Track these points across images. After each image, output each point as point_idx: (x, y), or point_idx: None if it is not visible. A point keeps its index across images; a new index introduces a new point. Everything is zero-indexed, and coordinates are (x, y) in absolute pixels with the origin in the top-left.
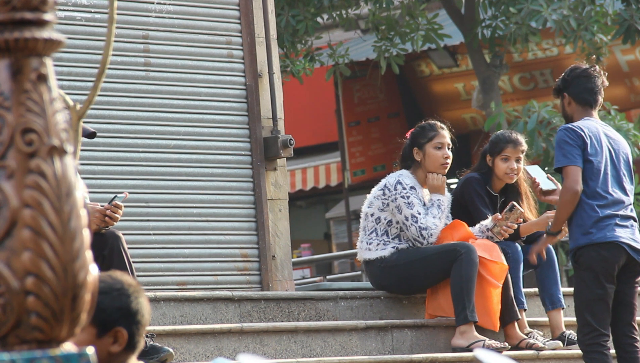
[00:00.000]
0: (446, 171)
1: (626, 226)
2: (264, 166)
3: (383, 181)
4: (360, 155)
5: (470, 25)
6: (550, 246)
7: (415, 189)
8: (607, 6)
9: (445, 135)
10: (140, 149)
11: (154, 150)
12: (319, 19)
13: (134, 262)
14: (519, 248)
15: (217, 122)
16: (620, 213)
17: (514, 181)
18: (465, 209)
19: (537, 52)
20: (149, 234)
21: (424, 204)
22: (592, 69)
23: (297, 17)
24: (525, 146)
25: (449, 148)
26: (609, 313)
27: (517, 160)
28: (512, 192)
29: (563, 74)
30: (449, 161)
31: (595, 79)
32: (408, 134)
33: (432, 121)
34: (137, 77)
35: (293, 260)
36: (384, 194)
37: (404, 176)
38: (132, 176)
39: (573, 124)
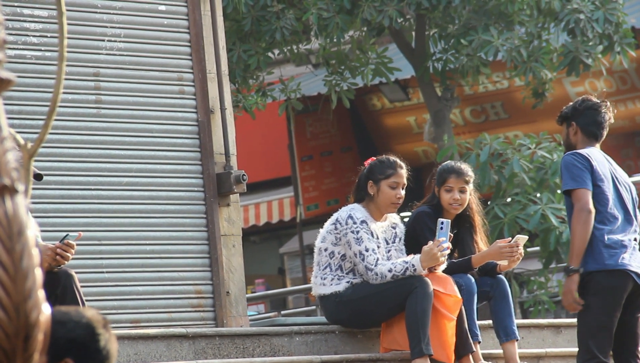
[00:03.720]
0: (396, 210)
1: (632, 254)
2: (217, 202)
3: (335, 215)
4: (313, 189)
5: (421, 59)
6: (504, 278)
7: (366, 223)
8: (552, 40)
9: (403, 175)
10: (92, 187)
11: (106, 187)
12: (270, 54)
13: (87, 300)
14: (473, 280)
15: (169, 158)
16: (628, 239)
17: (460, 211)
18: (417, 242)
19: (488, 85)
20: (102, 272)
21: (377, 238)
22: (604, 103)
23: (248, 52)
24: (470, 176)
25: (403, 188)
26: (611, 342)
27: (462, 190)
28: (465, 224)
29: (573, 103)
30: (401, 201)
31: (605, 114)
32: (367, 163)
33: (393, 158)
34: (88, 115)
35: (247, 295)
36: (336, 228)
37: (356, 210)
38: (84, 214)
39: (579, 150)
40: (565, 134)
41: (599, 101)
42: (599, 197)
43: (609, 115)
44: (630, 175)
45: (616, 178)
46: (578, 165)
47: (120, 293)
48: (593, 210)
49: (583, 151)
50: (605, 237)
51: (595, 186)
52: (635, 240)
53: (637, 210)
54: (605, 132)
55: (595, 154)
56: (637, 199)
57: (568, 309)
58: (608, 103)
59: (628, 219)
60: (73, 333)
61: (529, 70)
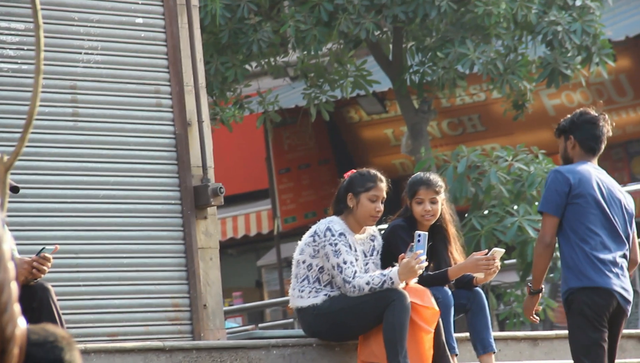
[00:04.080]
0: (374, 223)
1: (617, 273)
2: (194, 215)
3: (313, 228)
4: (291, 202)
5: (398, 72)
6: (481, 290)
7: (344, 235)
8: (529, 53)
9: (383, 188)
10: (69, 200)
11: (83, 201)
12: (247, 67)
13: (63, 314)
14: (449, 292)
15: (146, 171)
16: (612, 257)
17: (434, 223)
18: (392, 256)
19: (465, 97)
20: (79, 285)
21: (355, 250)
22: (602, 116)
23: (226, 64)
24: (440, 186)
25: (382, 201)
26: (605, 355)
27: (432, 201)
28: (438, 235)
29: (571, 116)
30: (380, 214)
31: (603, 128)
32: (347, 175)
33: (373, 171)
34: (65, 128)
35: (225, 308)
36: (314, 240)
37: (334, 222)
38: (61, 227)
39: (563, 167)
40: (563, 147)
41: (596, 114)
42: (578, 214)
43: (607, 128)
44: None
45: (604, 195)
46: (553, 186)
47: (97, 307)
48: (551, 241)
49: (567, 168)
50: (588, 254)
51: (573, 204)
52: (624, 257)
53: (629, 227)
54: (603, 146)
55: (582, 170)
56: (633, 214)
57: (530, 319)
58: (606, 116)
59: (614, 237)
60: (52, 353)
61: (505, 82)
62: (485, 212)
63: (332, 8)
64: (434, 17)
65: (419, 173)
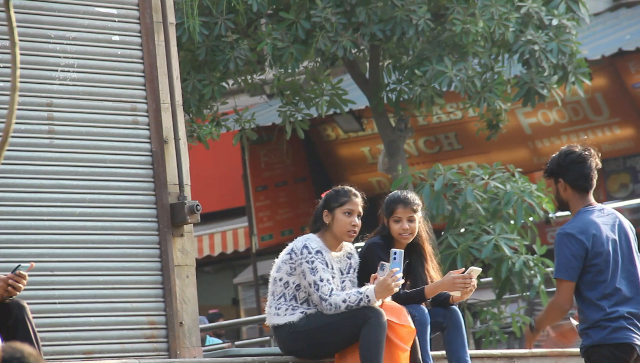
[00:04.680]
0: (352, 239)
1: (638, 326)
2: (170, 233)
3: (290, 245)
4: (267, 220)
5: (375, 90)
6: (457, 309)
7: (321, 253)
8: (505, 71)
9: (357, 202)
10: (45, 217)
11: (59, 218)
12: (224, 84)
13: (39, 331)
14: (426, 310)
15: (123, 189)
16: (633, 310)
17: (411, 241)
18: (368, 274)
19: (442, 115)
20: (55, 303)
21: (332, 268)
22: (587, 152)
23: (203, 81)
24: (417, 204)
25: (358, 216)
26: None
27: (410, 219)
28: (415, 253)
29: (556, 157)
30: (357, 229)
31: (590, 162)
32: (324, 195)
33: (348, 187)
34: (41, 145)
35: (201, 326)
36: (291, 258)
37: (311, 239)
38: (36, 245)
39: (573, 228)
40: (555, 190)
41: (582, 152)
42: (597, 274)
43: (595, 162)
44: None
45: (616, 244)
46: (567, 252)
47: (73, 324)
48: (569, 308)
49: (576, 229)
50: (606, 310)
51: (591, 265)
52: None
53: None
54: (594, 181)
55: (591, 226)
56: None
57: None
58: (592, 150)
59: (632, 288)
60: None
61: (483, 100)
62: (462, 230)
63: (310, 26)
64: (411, 35)
65: (396, 191)
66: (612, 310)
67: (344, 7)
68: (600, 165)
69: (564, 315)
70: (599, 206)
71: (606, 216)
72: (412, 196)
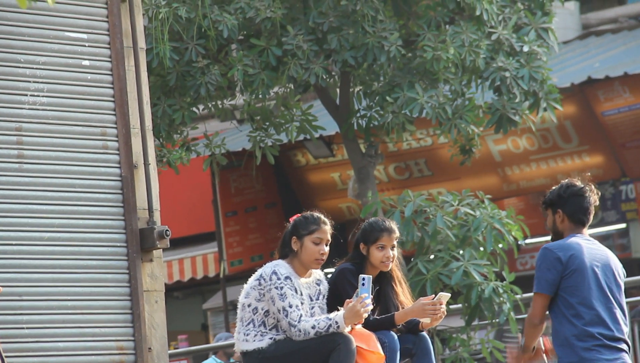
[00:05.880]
0: (320, 266)
1: (613, 347)
2: (139, 258)
3: (259, 271)
4: (237, 245)
5: (345, 116)
6: (426, 335)
7: (290, 279)
8: (477, 98)
9: (327, 230)
10: (14, 242)
11: (27, 243)
12: (195, 110)
13: (7, 357)
14: (396, 337)
15: (92, 213)
16: (606, 332)
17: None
18: (339, 299)
19: (412, 142)
20: (22, 328)
21: (301, 294)
22: (588, 187)
23: (173, 106)
24: (398, 233)
25: (327, 244)
26: None
27: (392, 247)
28: (385, 279)
29: (557, 188)
30: (325, 257)
31: (590, 198)
32: (292, 219)
33: (317, 214)
34: (10, 169)
35: (170, 351)
36: (259, 284)
37: (280, 266)
38: (4, 269)
39: (552, 245)
40: (552, 221)
41: (583, 186)
42: (572, 290)
43: (594, 198)
44: None
45: (598, 267)
46: (544, 265)
47: (41, 350)
48: (539, 322)
49: (557, 245)
50: (581, 331)
51: (566, 280)
52: (621, 329)
53: (621, 297)
54: (591, 216)
55: (572, 245)
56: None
57: None
58: (592, 186)
59: (610, 310)
60: None
61: (453, 126)
62: (431, 257)
63: (281, 53)
64: (382, 62)
65: (375, 219)
66: (584, 329)
67: (316, 35)
68: (597, 202)
69: (537, 329)
70: (588, 237)
71: (594, 244)
72: (394, 224)
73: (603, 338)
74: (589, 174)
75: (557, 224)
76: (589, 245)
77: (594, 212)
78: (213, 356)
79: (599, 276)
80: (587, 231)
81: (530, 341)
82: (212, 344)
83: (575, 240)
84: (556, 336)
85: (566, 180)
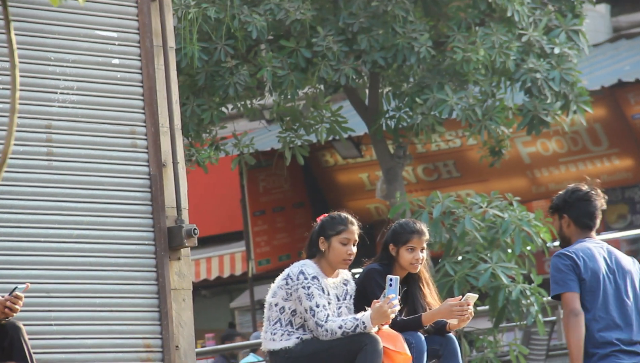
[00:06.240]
0: (347, 266)
1: (629, 352)
2: (167, 256)
3: (286, 271)
4: (265, 244)
5: (374, 116)
6: (453, 336)
7: (317, 279)
8: (507, 100)
9: (354, 231)
10: (42, 239)
11: (56, 240)
12: (224, 109)
13: (35, 353)
14: (423, 338)
15: (120, 211)
16: (622, 336)
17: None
18: (366, 300)
19: (441, 143)
20: (51, 324)
21: (329, 294)
22: (593, 192)
23: (202, 106)
24: (428, 235)
25: (354, 244)
26: None
27: (422, 250)
28: (413, 280)
29: (563, 193)
30: (352, 257)
31: (596, 202)
32: (319, 219)
33: (344, 214)
34: (39, 167)
35: (197, 350)
36: (287, 283)
37: (307, 265)
38: (33, 266)
39: (566, 250)
40: (559, 226)
41: (588, 190)
42: (584, 296)
43: (601, 202)
44: None
45: (613, 271)
46: (562, 268)
47: (69, 346)
48: (580, 312)
49: (570, 249)
50: (596, 336)
51: (581, 283)
52: (637, 337)
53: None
54: (598, 221)
55: (585, 251)
56: None
57: None
58: (598, 190)
59: (626, 315)
60: None
61: (483, 128)
62: (459, 258)
63: (310, 55)
64: (412, 63)
65: (406, 220)
66: (600, 334)
67: (346, 35)
68: (605, 206)
69: (578, 319)
70: (598, 240)
71: (604, 248)
72: (424, 226)
73: (620, 344)
74: (599, 180)
75: (563, 230)
76: (599, 248)
77: (600, 216)
78: (252, 353)
79: (612, 280)
80: (595, 235)
81: (577, 339)
82: (239, 343)
83: (585, 244)
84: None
85: (572, 185)
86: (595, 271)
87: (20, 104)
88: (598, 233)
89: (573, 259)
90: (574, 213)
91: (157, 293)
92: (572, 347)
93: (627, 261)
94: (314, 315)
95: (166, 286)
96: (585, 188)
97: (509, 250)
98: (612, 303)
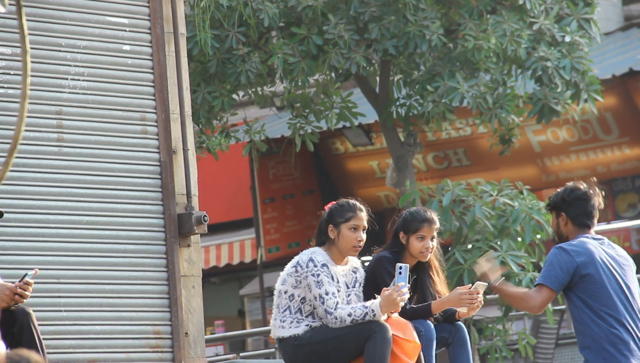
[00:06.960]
0: (357, 254)
1: (634, 349)
2: (177, 243)
3: (296, 258)
4: (274, 232)
5: (385, 104)
6: (463, 325)
7: (327, 266)
8: (518, 88)
9: (363, 217)
10: (52, 225)
11: (66, 226)
12: (234, 96)
13: (44, 339)
14: (432, 326)
15: (130, 198)
16: (627, 334)
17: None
18: (376, 287)
19: (451, 131)
20: (60, 310)
21: (338, 281)
22: (591, 190)
23: (213, 93)
24: (438, 224)
25: (364, 231)
26: None
27: (432, 238)
28: (422, 268)
29: (561, 192)
30: (362, 244)
31: (594, 201)
32: (327, 207)
33: (352, 201)
34: (50, 153)
35: (206, 337)
36: (296, 271)
37: (317, 253)
38: (43, 252)
39: (568, 246)
40: (556, 224)
41: (586, 189)
42: (590, 293)
43: (599, 201)
44: None
45: (613, 269)
46: (557, 264)
47: (78, 332)
48: (538, 312)
49: (573, 248)
50: (607, 333)
51: (583, 283)
52: None
53: (637, 298)
54: (596, 220)
55: (586, 249)
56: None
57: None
58: (597, 189)
59: (630, 311)
60: None
61: (494, 116)
62: (469, 246)
63: (321, 42)
64: (423, 51)
65: (416, 208)
66: (609, 331)
67: (357, 24)
68: (602, 205)
69: (527, 310)
70: (598, 237)
71: (604, 243)
72: (435, 215)
73: (630, 340)
74: (594, 179)
75: (561, 228)
76: (600, 244)
77: (598, 215)
78: None
79: (616, 276)
80: (593, 231)
81: (514, 301)
82: (248, 330)
83: (586, 241)
84: (582, 339)
85: (570, 183)
86: (597, 269)
87: (31, 90)
88: (608, 222)
89: (572, 258)
90: (572, 212)
91: (166, 280)
92: (509, 297)
93: (625, 254)
94: (323, 303)
95: (176, 273)
96: (583, 187)
97: (519, 239)
98: (617, 299)
